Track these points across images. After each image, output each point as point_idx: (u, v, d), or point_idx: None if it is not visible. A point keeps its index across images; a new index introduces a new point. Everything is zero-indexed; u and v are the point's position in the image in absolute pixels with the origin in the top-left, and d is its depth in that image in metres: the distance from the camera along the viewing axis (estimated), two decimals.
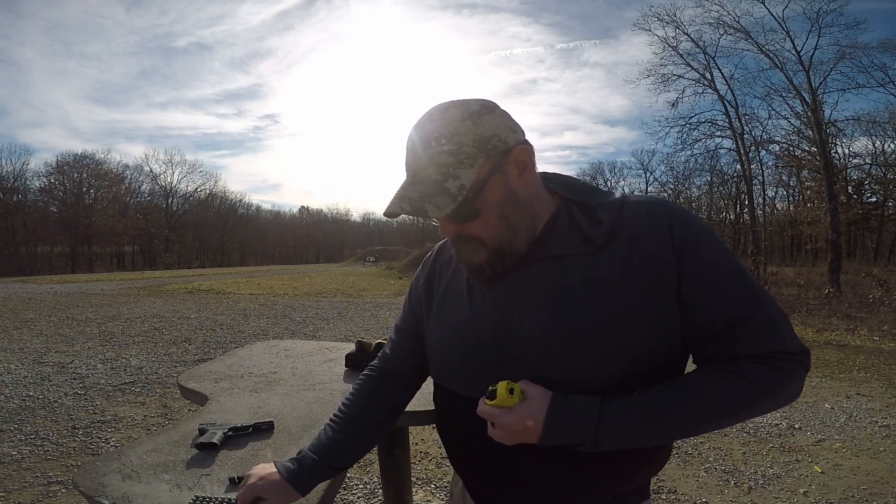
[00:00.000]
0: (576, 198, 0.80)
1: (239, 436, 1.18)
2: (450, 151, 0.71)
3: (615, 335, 0.71)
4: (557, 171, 0.86)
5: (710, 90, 16.70)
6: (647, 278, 0.72)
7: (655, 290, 0.71)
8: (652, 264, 0.72)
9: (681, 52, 16.60)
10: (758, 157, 17.60)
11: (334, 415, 0.95)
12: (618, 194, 0.80)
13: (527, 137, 0.79)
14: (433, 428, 3.40)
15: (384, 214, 0.76)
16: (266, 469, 0.88)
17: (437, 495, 2.62)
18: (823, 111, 15.58)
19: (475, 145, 0.72)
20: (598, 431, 0.68)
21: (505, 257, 0.77)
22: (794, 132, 16.76)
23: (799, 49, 14.52)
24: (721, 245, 0.74)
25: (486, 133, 0.72)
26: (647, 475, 0.83)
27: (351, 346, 1.91)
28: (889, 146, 23.94)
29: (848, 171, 24.68)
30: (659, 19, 16.36)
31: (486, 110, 0.74)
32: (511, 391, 0.71)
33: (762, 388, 0.70)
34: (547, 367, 0.74)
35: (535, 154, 0.78)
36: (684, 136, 17.63)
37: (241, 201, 58.15)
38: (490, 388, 0.72)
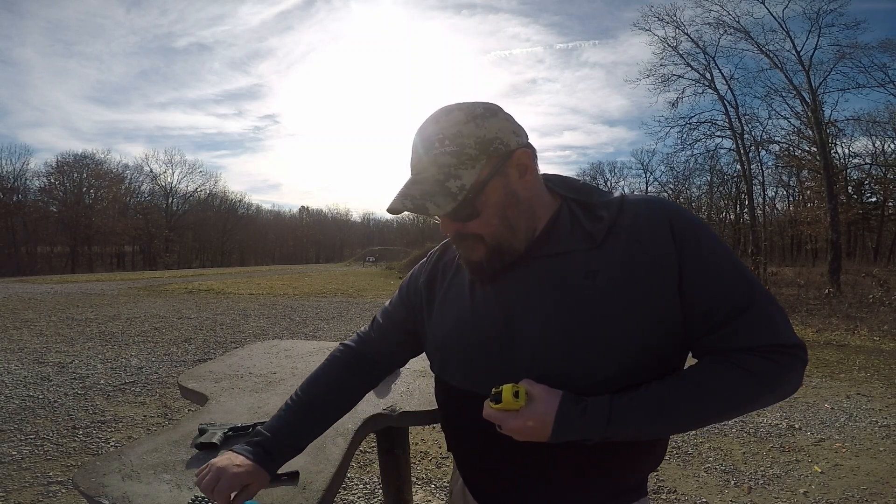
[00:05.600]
0: (576, 197, 0.83)
1: (239, 436, 1.19)
2: (452, 152, 0.73)
3: (617, 329, 0.72)
4: (557, 172, 0.88)
5: (710, 90, 16.69)
6: (648, 272, 0.73)
7: (656, 283, 0.72)
8: (653, 258, 0.73)
9: (681, 52, 16.58)
10: (758, 157, 17.59)
11: (296, 395, 0.96)
12: (617, 193, 0.82)
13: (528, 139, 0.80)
14: (433, 428, 3.40)
15: (387, 210, 0.78)
16: (232, 457, 0.86)
17: (437, 495, 2.62)
18: (823, 111, 15.59)
19: (477, 147, 0.74)
20: (609, 429, 0.70)
21: (504, 256, 0.78)
22: (794, 132, 16.76)
23: (799, 49, 14.52)
24: (719, 241, 0.76)
25: (489, 135, 0.74)
26: (647, 471, 0.84)
27: None
28: (889, 146, 24.00)
29: (848, 171, 24.69)
30: (659, 19, 16.36)
31: (490, 113, 0.76)
32: (516, 394, 0.69)
33: (764, 381, 0.70)
34: (549, 362, 0.74)
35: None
36: (684, 136, 17.61)
37: (241, 201, 58.16)
38: (494, 390, 0.71)
